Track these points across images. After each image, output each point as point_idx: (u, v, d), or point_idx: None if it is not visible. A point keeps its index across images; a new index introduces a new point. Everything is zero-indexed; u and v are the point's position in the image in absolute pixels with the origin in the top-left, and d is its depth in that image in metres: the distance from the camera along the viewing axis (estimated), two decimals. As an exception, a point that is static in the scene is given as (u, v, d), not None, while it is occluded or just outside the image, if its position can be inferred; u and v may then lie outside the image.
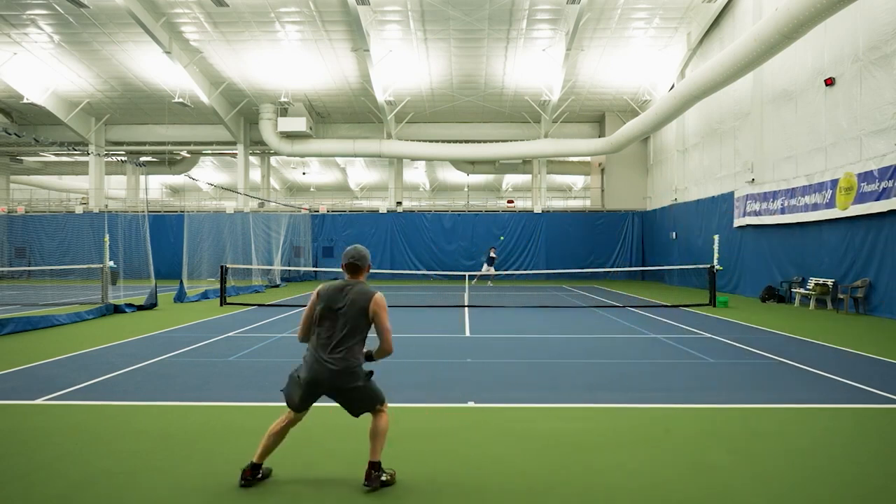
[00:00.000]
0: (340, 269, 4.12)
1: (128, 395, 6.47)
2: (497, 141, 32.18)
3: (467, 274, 25.84)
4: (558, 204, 42.95)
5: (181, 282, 18.12)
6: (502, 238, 31.17)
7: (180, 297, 17.34)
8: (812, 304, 16.03)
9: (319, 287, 4.06)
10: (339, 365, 3.90)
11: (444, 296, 20.50)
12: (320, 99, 30.71)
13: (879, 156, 13.77)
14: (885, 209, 13.42)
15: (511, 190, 51.55)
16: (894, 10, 13.60)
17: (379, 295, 3.98)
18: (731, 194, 21.24)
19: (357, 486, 3.97)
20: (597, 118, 33.16)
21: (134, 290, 20.33)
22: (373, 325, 4.00)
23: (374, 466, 3.95)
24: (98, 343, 9.90)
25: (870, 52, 14.34)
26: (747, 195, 19.82)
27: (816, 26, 14.20)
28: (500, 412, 5.83)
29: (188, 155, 36.93)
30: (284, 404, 6.15)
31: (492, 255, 27.19)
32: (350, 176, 48.80)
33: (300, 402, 3.98)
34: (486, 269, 26.67)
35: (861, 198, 14.24)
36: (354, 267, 4.06)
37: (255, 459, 3.97)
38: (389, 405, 6.01)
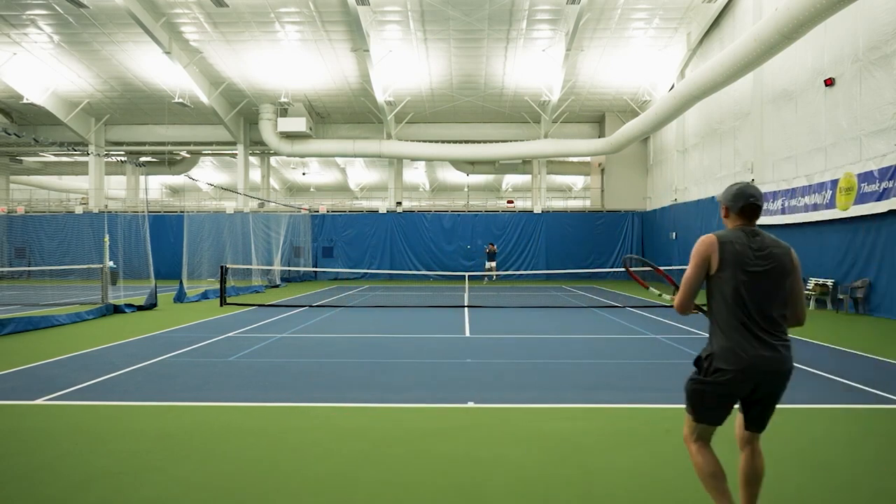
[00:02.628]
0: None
1: (128, 395, 6.47)
2: (497, 141, 32.19)
3: (467, 274, 25.84)
4: (558, 204, 42.94)
5: (181, 282, 18.12)
6: (469, 247, 31.16)
7: (180, 298, 17.34)
8: (812, 304, 16.03)
9: (716, 235, 2.97)
10: (785, 350, 2.88)
11: (444, 296, 20.51)
12: (320, 99, 30.72)
13: (879, 156, 13.76)
14: (885, 209, 13.41)
15: (511, 190, 51.55)
16: (894, 10, 13.60)
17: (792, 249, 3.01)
18: (731, 194, 21.21)
19: (356, 486, 3.96)
20: (597, 118, 33.17)
21: (134, 291, 20.33)
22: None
23: None
24: (98, 343, 9.90)
25: (870, 52, 14.34)
26: (747, 195, 19.79)
27: (816, 26, 14.20)
28: (500, 412, 5.83)
29: (188, 155, 36.93)
30: (280, 404, 6.19)
31: (493, 250, 27.40)
32: (350, 176, 48.79)
33: (726, 414, 2.99)
34: (489, 266, 26.85)
35: (861, 198, 14.23)
36: (756, 210, 3.00)
37: None
38: (389, 405, 6.07)
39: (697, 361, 3.01)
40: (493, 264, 27.55)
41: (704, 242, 2.95)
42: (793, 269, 2.96)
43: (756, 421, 3.04)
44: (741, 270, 2.88)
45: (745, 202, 2.98)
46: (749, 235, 2.95)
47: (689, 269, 2.99)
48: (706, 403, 2.96)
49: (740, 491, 3.10)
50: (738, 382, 2.87)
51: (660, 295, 3.65)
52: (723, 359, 2.88)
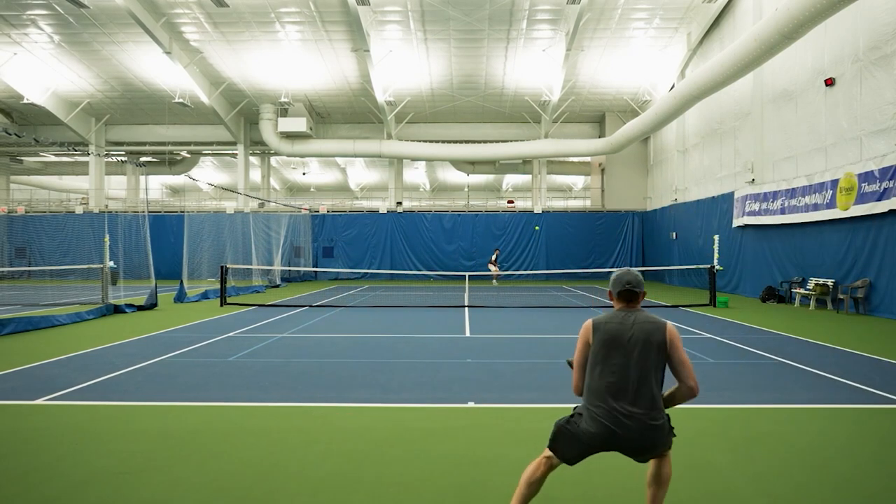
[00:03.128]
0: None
1: (128, 395, 6.47)
2: (497, 141, 32.19)
3: (467, 274, 25.85)
4: (558, 204, 42.96)
5: (181, 282, 18.12)
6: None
7: (180, 298, 17.35)
8: (812, 304, 16.02)
9: (592, 321, 3.25)
10: (645, 420, 3.05)
11: (444, 296, 20.50)
12: (320, 99, 30.72)
13: (880, 156, 13.76)
14: (885, 209, 13.41)
15: (511, 190, 51.55)
16: (894, 10, 13.60)
17: (671, 324, 3.25)
18: (732, 194, 21.24)
19: (356, 486, 3.96)
20: (597, 118, 33.17)
21: (134, 291, 20.33)
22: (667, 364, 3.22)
23: None
24: (98, 343, 9.90)
25: (870, 52, 14.34)
26: (747, 195, 19.82)
27: (816, 26, 14.19)
28: (500, 412, 5.83)
29: (188, 155, 36.94)
30: (280, 404, 6.19)
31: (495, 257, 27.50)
32: (350, 176, 48.80)
33: (578, 458, 3.20)
34: (494, 269, 26.93)
35: (861, 198, 14.23)
36: (632, 294, 3.26)
37: None
38: (389, 405, 6.07)
39: (573, 410, 3.27)
40: (496, 267, 27.57)
41: (584, 326, 3.28)
42: (669, 343, 3.14)
43: (641, 461, 3.25)
44: (613, 348, 3.12)
45: (622, 287, 3.26)
46: (624, 315, 3.21)
47: (575, 352, 3.31)
48: (567, 446, 3.19)
49: (647, 490, 3.33)
50: (596, 444, 3.10)
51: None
52: (587, 421, 3.13)
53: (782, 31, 14.24)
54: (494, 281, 28.16)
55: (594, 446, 3.11)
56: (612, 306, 3.32)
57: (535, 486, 3.21)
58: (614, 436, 3.05)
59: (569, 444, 3.18)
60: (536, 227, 31.40)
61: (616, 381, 3.08)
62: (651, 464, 3.32)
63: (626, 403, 3.06)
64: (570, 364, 3.36)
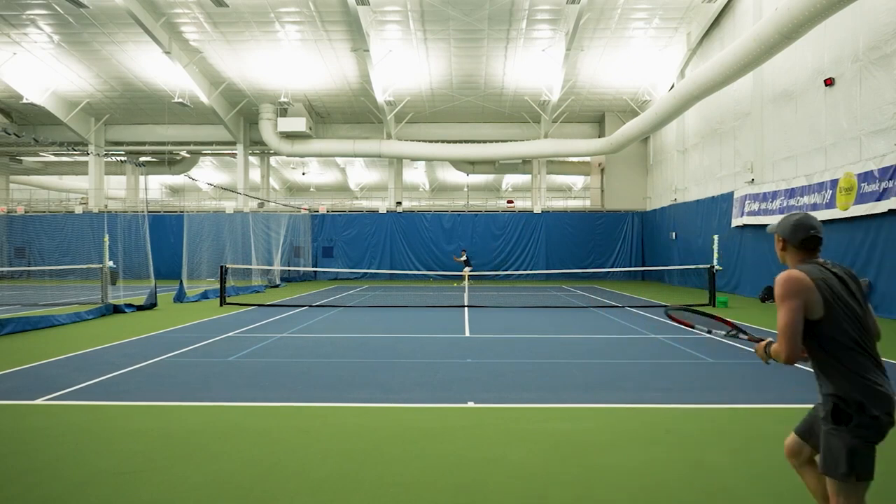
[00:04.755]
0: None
1: (128, 395, 6.47)
2: (497, 141, 32.19)
3: (467, 274, 25.83)
4: (558, 204, 42.96)
5: (181, 282, 18.12)
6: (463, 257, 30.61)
7: (180, 298, 17.35)
8: (812, 304, 16.00)
9: (803, 274, 2.64)
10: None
11: (444, 296, 20.50)
12: (320, 99, 30.72)
13: (879, 156, 13.76)
14: (885, 209, 13.41)
15: (511, 190, 51.56)
16: (894, 10, 13.60)
17: None
18: (731, 194, 21.24)
19: (356, 486, 3.96)
20: (597, 118, 33.17)
21: (134, 291, 20.33)
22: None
23: None
24: (98, 343, 9.90)
25: (870, 52, 14.34)
26: (746, 195, 19.82)
27: (816, 26, 14.21)
28: (499, 412, 5.83)
29: (188, 155, 36.94)
30: (280, 404, 6.18)
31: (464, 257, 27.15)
32: (350, 176, 48.80)
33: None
34: (465, 271, 26.58)
35: (861, 198, 14.23)
36: (818, 241, 2.78)
37: None
38: (389, 405, 6.07)
39: (840, 417, 2.57)
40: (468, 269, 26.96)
41: (793, 282, 2.62)
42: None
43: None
44: (845, 306, 2.65)
45: (807, 234, 2.75)
46: (829, 269, 2.72)
47: (784, 313, 2.63)
48: (871, 454, 2.62)
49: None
50: (888, 423, 2.57)
51: (709, 332, 3.37)
52: (878, 406, 2.54)
53: (782, 31, 14.24)
54: (461, 282, 27.54)
55: (887, 430, 2.56)
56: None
57: None
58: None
59: (873, 449, 2.60)
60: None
61: (872, 341, 2.65)
62: (813, 477, 2.89)
63: (881, 365, 2.64)
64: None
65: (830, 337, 2.61)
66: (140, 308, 15.09)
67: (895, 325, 12.35)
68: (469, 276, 25.62)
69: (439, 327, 12.13)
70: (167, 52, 23.98)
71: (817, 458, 2.75)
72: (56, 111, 30.03)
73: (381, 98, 27.99)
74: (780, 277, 2.64)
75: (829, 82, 15.80)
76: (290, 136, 31.02)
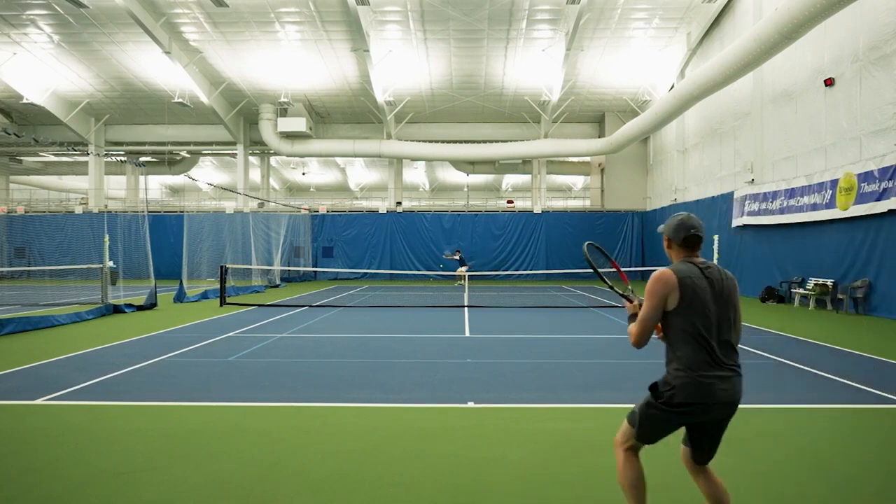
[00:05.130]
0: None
1: (128, 395, 6.47)
2: (497, 141, 32.20)
3: (467, 274, 25.83)
4: (558, 204, 42.96)
5: (181, 282, 18.12)
6: (441, 266, 30.60)
7: (180, 298, 17.35)
8: (812, 304, 16.03)
9: (670, 272, 2.94)
10: (738, 373, 2.95)
11: (444, 296, 20.50)
12: (320, 99, 30.72)
13: (879, 156, 13.77)
14: (885, 209, 13.42)
15: (511, 190, 51.56)
16: (894, 10, 13.61)
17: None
18: (731, 194, 21.25)
19: (356, 486, 3.96)
20: (597, 118, 33.17)
21: (134, 291, 20.32)
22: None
23: None
24: (98, 343, 9.90)
25: (870, 52, 14.35)
26: (747, 195, 19.83)
27: (816, 26, 14.21)
28: (500, 412, 5.83)
29: (188, 155, 36.94)
30: (280, 404, 6.18)
31: (457, 257, 27.07)
32: (350, 176, 48.80)
33: (663, 436, 3.06)
34: (460, 270, 26.53)
35: (861, 198, 14.24)
36: (698, 240, 3.05)
37: None
38: (389, 405, 6.07)
39: (654, 390, 3.01)
40: (463, 269, 26.87)
41: (661, 279, 2.91)
42: (737, 296, 3.02)
43: (707, 453, 3.08)
44: (699, 303, 2.89)
45: (688, 233, 3.02)
46: (701, 269, 2.96)
47: (645, 306, 2.98)
48: (657, 428, 3.01)
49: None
50: (695, 413, 2.91)
51: (611, 287, 3.52)
52: (684, 392, 2.89)
53: (782, 31, 14.24)
54: (459, 282, 27.44)
55: (696, 417, 2.91)
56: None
57: (634, 482, 3.07)
58: (721, 396, 2.86)
59: (663, 426, 2.98)
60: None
61: (714, 336, 2.89)
62: (704, 483, 3.10)
63: (726, 358, 2.89)
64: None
65: (678, 327, 2.94)
66: (140, 308, 15.09)
67: (895, 325, 12.36)
68: (466, 275, 25.60)
69: (439, 327, 12.13)
70: (167, 52, 23.99)
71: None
72: (56, 111, 30.03)
73: (381, 98, 27.99)
74: (653, 275, 2.95)
75: (829, 82, 15.81)
76: (290, 136, 31.02)
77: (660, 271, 2.94)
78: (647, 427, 3.03)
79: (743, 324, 11.89)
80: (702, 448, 3.06)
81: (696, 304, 2.88)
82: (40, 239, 30.64)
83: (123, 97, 30.65)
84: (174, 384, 7.02)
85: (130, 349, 9.39)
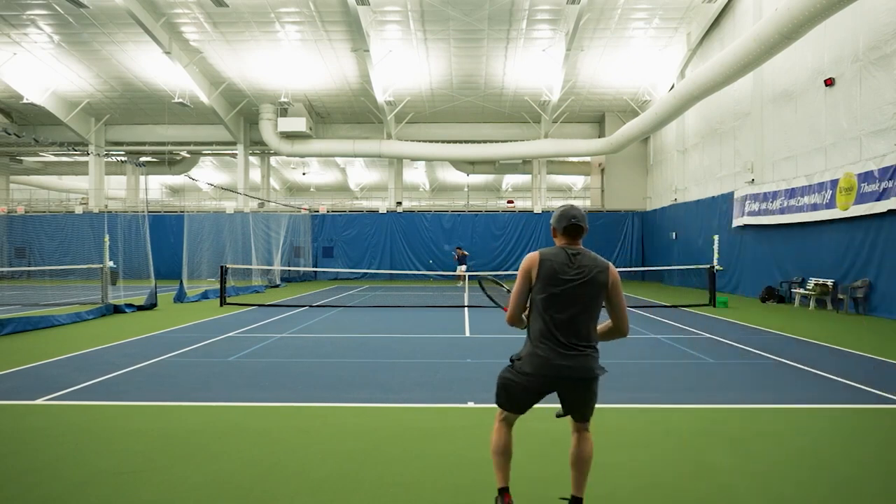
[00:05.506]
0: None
1: (128, 395, 6.47)
2: (497, 141, 32.20)
3: (467, 274, 25.84)
4: (558, 204, 42.86)
5: (181, 282, 18.12)
6: (431, 262, 30.73)
7: (180, 298, 17.35)
8: (812, 304, 16.03)
9: (539, 253, 3.23)
10: (586, 352, 3.21)
11: (444, 296, 20.50)
12: (320, 99, 30.72)
13: (879, 156, 13.77)
14: (884, 209, 13.42)
15: (511, 190, 51.56)
16: (894, 10, 13.61)
17: (613, 266, 3.37)
18: (731, 194, 21.25)
19: (356, 486, 3.96)
20: (597, 118, 33.17)
21: (134, 291, 20.32)
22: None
23: None
24: (98, 343, 9.90)
25: (870, 52, 14.35)
26: (747, 195, 19.83)
27: (816, 26, 14.21)
28: (500, 412, 5.82)
29: (188, 155, 36.94)
30: (280, 404, 6.18)
31: (462, 254, 27.03)
32: (350, 176, 48.80)
33: (529, 405, 3.33)
34: (459, 270, 26.51)
35: (861, 198, 14.24)
36: (578, 229, 3.28)
37: (501, 484, 3.40)
38: (389, 405, 6.06)
39: (511, 359, 3.31)
40: (463, 268, 26.89)
41: (527, 258, 3.24)
42: (611, 285, 3.27)
43: (574, 415, 3.34)
44: (553, 285, 3.15)
45: (568, 223, 3.26)
46: (570, 254, 3.22)
47: (515, 283, 3.28)
48: (510, 397, 3.31)
49: (570, 472, 3.37)
50: (538, 385, 3.20)
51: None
52: (529, 363, 3.19)
53: (782, 31, 14.24)
54: (460, 282, 27.36)
55: (543, 387, 3.21)
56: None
57: (502, 449, 3.36)
58: (561, 371, 3.14)
59: (517, 393, 3.25)
60: (431, 261, 30.82)
61: (563, 317, 3.15)
62: (573, 442, 3.36)
63: (572, 338, 3.16)
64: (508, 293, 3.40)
65: (534, 302, 3.24)
66: (140, 308, 15.09)
67: (895, 325, 12.36)
68: (466, 275, 25.60)
69: (439, 327, 12.13)
70: (167, 52, 23.99)
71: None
72: (56, 111, 30.03)
73: (381, 98, 27.99)
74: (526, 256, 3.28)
75: (829, 82, 15.81)
76: (290, 136, 31.03)
77: (530, 254, 3.28)
78: (503, 394, 3.33)
79: (744, 324, 11.86)
80: (569, 408, 3.32)
81: (550, 284, 3.16)
82: (40, 239, 30.64)
83: (123, 97, 30.65)
84: (174, 384, 7.02)
85: (130, 349, 9.39)
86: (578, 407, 3.29)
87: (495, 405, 3.43)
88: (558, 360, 3.14)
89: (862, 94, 14.67)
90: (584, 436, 3.35)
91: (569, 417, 3.39)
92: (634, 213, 31.54)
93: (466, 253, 27.77)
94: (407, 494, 3.85)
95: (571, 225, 3.26)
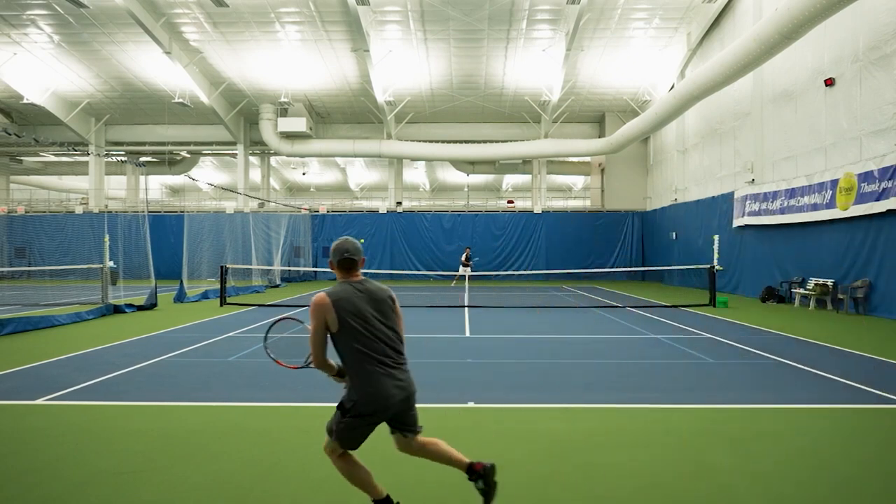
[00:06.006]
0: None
1: (128, 395, 6.47)
2: (497, 141, 32.19)
3: (467, 274, 25.83)
4: (558, 204, 42.95)
5: (181, 282, 18.12)
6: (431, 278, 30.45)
7: (180, 298, 17.35)
8: (812, 304, 16.02)
9: (324, 296, 3.25)
10: (409, 374, 3.38)
11: (444, 296, 20.50)
12: (320, 99, 30.72)
13: (879, 156, 13.77)
14: (884, 209, 13.42)
15: (511, 190, 51.56)
16: (894, 10, 13.61)
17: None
18: (732, 194, 21.25)
19: (355, 487, 3.95)
20: (597, 118, 33.17)
21: (134, 291, 20.32)
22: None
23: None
24: (98, 343, 9.90)
25: (870, 52, 14.35)
26: (747, 195, 19.83)
27: (816, 26, 14.20)
28: (500, 412, 5.83)
29: (188, 155, 36.94)
30: (280, 404, 6.18)
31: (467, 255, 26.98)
32: (350, 176, 48.80)
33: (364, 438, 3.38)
34: (463, 270, 26.45)
35: (861, 198, 14.24)
36: (352, 262, 3.39)
37: (378, 497, 3.43)
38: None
39: (342, 407, 3.28)
40: (468, 269, 26.81)
41: (320, 302, 3.22)
42: (395, 303, 3.49)
43: (409, 428, 3.43)
44: (361, 319, 3.23)
45: (341, 256, 3.35)
46: (355, 287, 3.32)
47: (311, 325, 3.28)
48: (356, 436, 3.30)
49: (442, 462, 3.51)
50: (380, 416, 3.27)
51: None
52: (365, 403, 3.22)
53: (782, 31, 14.24)
54: (455, 282, 27.21)
55: (387, 416, 3.28)
56: None
57: (360, 477, 3.38)
58: (399, 399, 3.24)
59: (356, 433, 3.28)
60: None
61: (384, 346, 3.26)
62: (423, 444, 3.47)
63: (395, 364, 3.28)
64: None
65: (344, 348, 3.25)
66: (140, 308, 15.09)
67: (895, 325, 12.36)
68: (468, 276, 25.57)
69: (439, 327, 12.13)
70: (167, 52, 23.99)
71: (418, 437, 3.48)
72: (56, 111, 30.03)
73: (381, 98, 27.99)
74: (313, 299, 3.27)
75: (829, 82, 15.80)
76: (290, 136, 31.02)
77: (316, 296, 3.28)
78: (347, 437, 3.29)
79: (744, 324, 11.90)
80: (404, 425, 3.41)
81: (356, 322, 3.22)
82: (40, 239, 30.63)
83: (123, 97, 30.65)
84: (174, 384, 7.02)
85: (130, 349, 9.39)
86: (411, 414, 3.41)
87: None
88: (394, 386, 3.24)
89: (862, 94, 14.67)
90: (423, 440, 3.49)
91: (395, 436, 3.48)
92: (634, 213, 31.53)
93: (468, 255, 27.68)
94: (407, 494, 3.85)
95: (345, 259, 3.35)
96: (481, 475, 3.44)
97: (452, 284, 26.72)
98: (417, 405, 6.23)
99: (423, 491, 3.92)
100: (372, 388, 3.20)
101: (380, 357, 3.23)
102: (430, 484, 4.04)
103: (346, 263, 3.37)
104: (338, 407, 3.30)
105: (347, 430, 3.26)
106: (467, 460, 3.49)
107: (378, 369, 3.21)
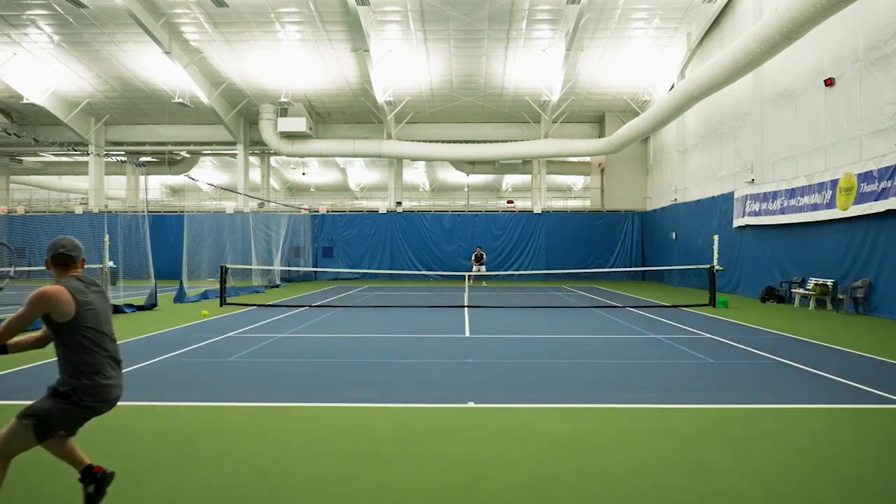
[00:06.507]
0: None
1: (128, 395, 6.42)
2: (497, 141, 32.19)
3: (467, 274, 25.84)
4: (558, 204, 42.96)
5: (181, 282, 18.12)
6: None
7: (180, 298, 17.35)
8: (812, 304, 16.03)
9: (61, 289, 3.23)
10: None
11: (444, 296, 20.50)
12: (320, 99, 30.72)
13: (879, 156, 13.77)
14: (884, 209, 13.42)
15: (511, 190, 51.56)
16: (894, 10, 13.61)
17: None
18: (732, 194, 21.25)
19: (356, 486, 3.96)
20: (597, 118, 33.17)
21: (134, 291, 20.31)
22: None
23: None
24: (98, 343, 9.88)
25: (870, 53, 14.35)
26: (747, 195, 19.83)
27: (816, 26, 14.21)
28: (500, 412, 5.83)
29: (188, 155, 36.94)
30: (280, 404, 6.18)
31: (479, 254, 27.01)
32: (350, 176, 48.80)
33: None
34: (476, 269, 26.52)
35: (861, 198, 14.24)
36: (69, 258, 3.42)
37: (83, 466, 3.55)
38: (389, 405, 6.07)
39: (58, 394, 3.23)
40: (483, 268, 26.97)
41: (52, 294, 3.18)
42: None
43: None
44: (95, 314, 3.30)
45: (56, 251, 3.38)
46: (85, 282, 3.37)
47: (24, 311, 3.17)
48: (67, 425, 3.31)
49: (69, 460, 3.54)
50: (101, 412, 3.32)
51: None
52: (92, 395, 3.25)
53: (782, 31, 14.24)
54: (474, 282, 27.37)
55: (91, 417, 3.33)
56: None
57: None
58: (117, 395, 3.38)
59: (71, 423, 3.30)
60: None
61: (114, 346, 3.41)
62: (70, 448, 3.51)
63: (117, 357, 3.42)
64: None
65: (76, 336, 3.24)
66: (140, 308, 15.09)
67: (895, 325, 12.36)
68: (474, 276, 25.60)
69: (439, 327, 12.13)
70: (167, 53, 23.99)
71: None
72: (56, 111, 30.03)
73: (381, 98, 27.99)
74: (42, 289, 3.18)
75: (829, 82, 15.81)
76: (290, 136, 31.02)
77: (52, 287, 3.22)
78: (58, 426, 3.25)
79: (744, 324, 11.92)
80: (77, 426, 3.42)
81: (90, 316, 3.28)
82: (40, 239, 30.60)
83: (123, 97, 30.65)
84: (174, 384, 7.02)
85: (130, 349, 9.38)
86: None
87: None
88: (117, 383, 3.39)
89: (862, 94, 14.67)
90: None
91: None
92: (634, 213, 31.54)
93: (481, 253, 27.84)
94: (407, 494, 3.85)
95: (59, 254, 3.38)
96: (97, 479, 3.51)
97: (471, 284, 26.68)
98: (418, 404, 6.25)
99: (424, 491, 3.92)
100: (102, 383, 3.30)
101: (110, 353, 3.38)
102: (430, 484, 4.04)
103: (60, 259, 3.40)
104: (52, 393, 3.28)
105: (63, 419, 3.29)
106: (88, 461, 3.55)
107: (109, 364, 3.35)
